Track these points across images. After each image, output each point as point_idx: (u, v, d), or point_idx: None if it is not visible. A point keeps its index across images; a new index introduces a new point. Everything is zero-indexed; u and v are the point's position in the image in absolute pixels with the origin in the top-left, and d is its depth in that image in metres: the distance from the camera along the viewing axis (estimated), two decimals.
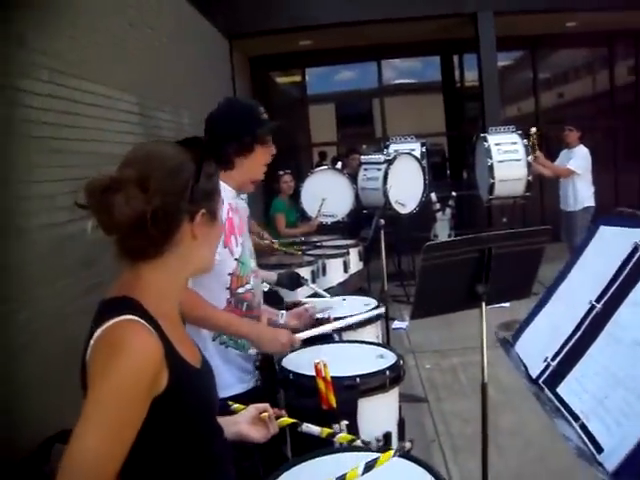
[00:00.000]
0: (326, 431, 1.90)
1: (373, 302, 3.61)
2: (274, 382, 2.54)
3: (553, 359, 1.43)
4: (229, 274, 2.47)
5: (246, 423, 1.76)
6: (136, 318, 1.30)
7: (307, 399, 2.17)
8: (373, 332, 3.38)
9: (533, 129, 8.14)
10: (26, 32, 3.72)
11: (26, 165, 3.63)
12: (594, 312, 1.45)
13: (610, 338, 1.41)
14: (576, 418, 1.37)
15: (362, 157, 7.95)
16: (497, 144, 8.32)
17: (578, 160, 7.98)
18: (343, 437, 1.89)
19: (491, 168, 8.15)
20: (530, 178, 8.24)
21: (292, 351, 2.66)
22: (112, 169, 1.38)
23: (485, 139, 8.39)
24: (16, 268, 3.38)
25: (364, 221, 7.02)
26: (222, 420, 1.71)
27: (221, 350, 2.47)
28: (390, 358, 2.56)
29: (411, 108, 13.10)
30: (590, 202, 7.97)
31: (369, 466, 1.51)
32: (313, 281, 4.45)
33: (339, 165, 7.42)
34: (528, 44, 12.39)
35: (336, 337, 3.13)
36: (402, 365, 2.52)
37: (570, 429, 1.35)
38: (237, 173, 2.58)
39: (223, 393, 2.28)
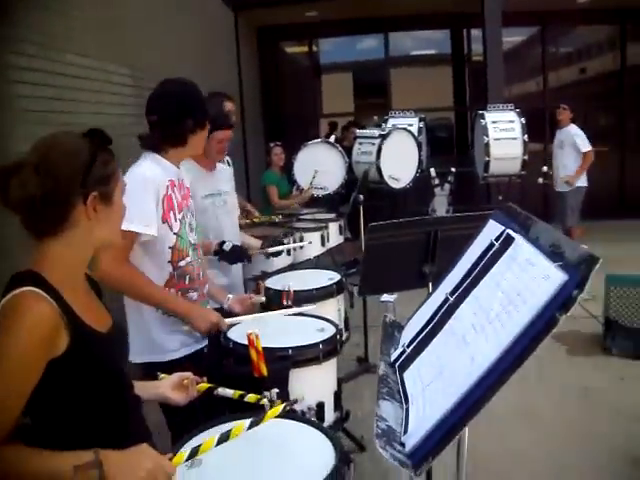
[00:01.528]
0: (237, 393, 2.07)
1: (337, 276, 3.76)
2: (220, 350, 2.71)
3: (409, 345, 1.56)
4: (169, 247, 2.63)
5: (168, 387, 1.99)
6: (34, 289, 1.49)
7: (243, 367, 2.32)
8: (334, 305, 3.54)
9: (544, 168, 8.23)
10: (16, 6, 3.85)
11: (17, 136, 3.78)
12: (447, 304, 1.58)
13: (450, 330, 1.54)
14: (407, 402, 1.51)
15: (357, 131, 8.05)
16: (494, 122, 8.37)
17: (584, 139, 8.05)
18: (251, 397, 2.05)
19: (487, 145, 8.23)
20: (526, 157, 8.30)
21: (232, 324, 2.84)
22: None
23: (482, 116, 8.44)
24: None
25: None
26: (145, 384, 1.93)
27: (164, 319, 2.66)
28: (329, 332, 2.72)
29: (421, 81, 13.09)
30: (582, 182, 8.07)
31: (255, 422, 1.66)
32: (289, 254, 4.59)
33: (332, 138, 7.52)
34: (538, 20, 12.28)
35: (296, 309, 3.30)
36: (339, 339, 2.68)
37: (394, 412, 1.48)
38: (186, 150, 2.75)
39: (169, 356, 2.65)
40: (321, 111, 13.33)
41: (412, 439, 1.33)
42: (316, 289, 3.48)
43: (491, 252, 1.50)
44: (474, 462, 3.90)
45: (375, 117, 10.69)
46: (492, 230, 1.58)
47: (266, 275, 3.95)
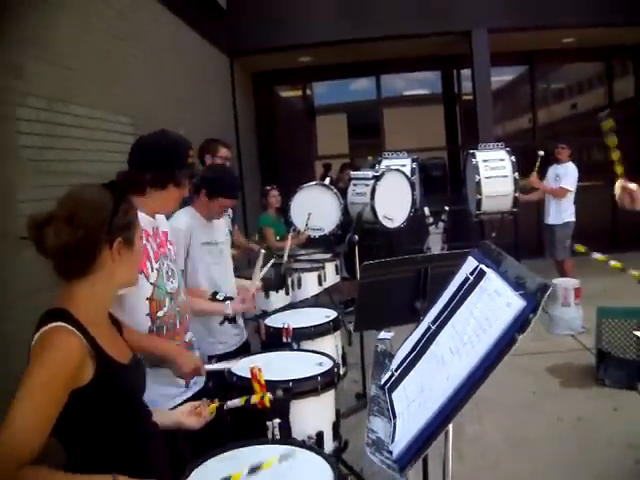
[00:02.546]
0: (243, 398, 2.28)
1: (334, 313, 3.92)
2: (223, 385, 2.86)
3: (397, 369, 1.73)
4: (147, 298, 2.61)
5: (181, 415, 2.20)
6: (64, 324, 1.67)
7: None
8: (332, 342, 3.69)
9: (541, 152, 8.44)
10: (24, 63, 4.07)
11: (22, 185, 3.97)
12: (429, 332, 1.76)
13: (431, 354, 1.73)
14: (395, 417, 1.68)
15: (352, 172, 8.25)
16: (485, 160, 8.56)
17: (570, 178, 8.30)
18: (255, 397, 2.27)
19: (478, 184, 8.41)
20: (517, 194, 8.49)
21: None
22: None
23: (473, 155, 8.64)
24: (2, 283, 3.72)
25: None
26: (161, 413, 2.08)
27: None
28: (327, 365, 2.88)
29: (414, 121, 13.36)
30: (571, 217, 8.29)
31: (253, 469, 1.82)
32: (287, 293, 4.75)
33: (327, 180, 7.71)
34: (526, 60, 12.63)
35: (294, 346, 3.46)
36: (336, 372, 2.83)
37: (384, 426, 1.66)
38: (149, 201, 2.70)
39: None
40: (316, 153, 13.55)
41: (398, 447, 1.53)
42: (314, 326, 3.64)
43: (466, 285, 1.69)
44: None
45: (370, 158, 10.96)
46: (469, 265, 1.77)
47: (265, 314, 4.12)
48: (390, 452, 1.55)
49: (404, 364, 1.72)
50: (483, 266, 1.69)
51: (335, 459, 2.00)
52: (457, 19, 10.27)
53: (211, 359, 3.32)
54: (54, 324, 1.67)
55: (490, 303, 1.53)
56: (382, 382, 1.69)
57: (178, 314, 2.79)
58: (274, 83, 13.31)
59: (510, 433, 4.86)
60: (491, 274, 1.61)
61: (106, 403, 1.73)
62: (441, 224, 9.53)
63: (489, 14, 10.21)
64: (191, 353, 2.78)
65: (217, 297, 3.50)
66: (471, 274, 1.70)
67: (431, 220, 9.49)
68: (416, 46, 11.18)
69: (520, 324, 1.39)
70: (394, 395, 1.70)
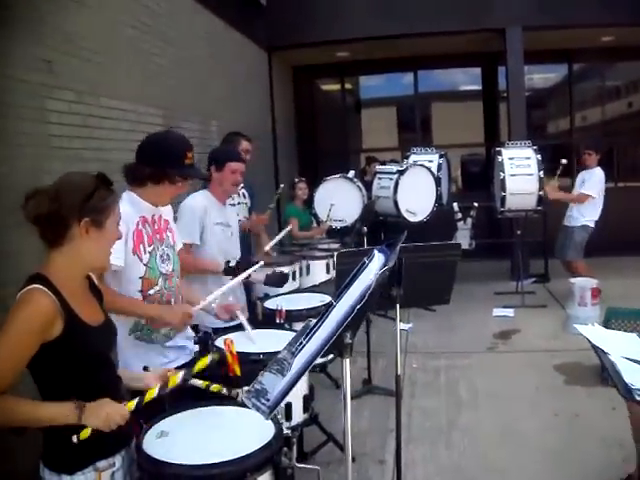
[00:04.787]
0: (205, 383, 2.52)
1: (329, 298, 4.18)
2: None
3: (305, 338, 2.03)
4: (140, 277, 2.96)
5: (152, 379, 2.46)
6: (39, 286, 2.02)
7: (222, 368, 2.75)
8: None
9: (564, 160, 8.49)
10: (54, 58, 4.41)
11: (50, 171, 4.30)
12: (331, 306, 2.07)
13: (328, 322, 2.04)
14: None
15: (377, 167, 8.50)
16: (510, 158, 8.69)
17: (594, 184, 8.32)
18: (214, 387, 2.51)
19: (503, 181, 8.56)
20: (542, 193, 8.58)
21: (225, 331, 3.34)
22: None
23: (500, 153, 8.78)
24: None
25: (377, 226, 7.67)
26: (134, 375, 2.45)
27: (135, 344, 3.03)
28: None
29: (458, 117, 13.39)
30: (591, 222, 8.30)
31: (187, 373, 2.32)
32: (294, 279, 5.03)
33: (351, 173, 7.95)
34: (565, 58, 12.59)
35: (287, 326, 3.75)
36: None
37: (274, 380, 1.98)
38: (147, 192, 3.04)
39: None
40: (360, 146, 13.74)
41: (272, 395, 1.93)
42: (306, 309, 3.92)
43: (362, 266, 2.06)
44: (455, 477, 4.24)
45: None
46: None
47: (267, 297, 4.42)
48: (268, 400, 1.92)
49: (310, 334, 2.02)
50: (376, 251, 2.05)
51: (277, 420, 2.28)
52: (491, 16, 10.30)
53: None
54: (31, 286, 2.02)
55: (364, 279, 1.92)
56: (294, 349, 1.98)
57: (173, 293, 3.14)
58: (315, 77, 13.57)
59: (504, 425, 4.99)
60: (379, 257, 1.98)
61: (71, 355, 2.07)
62: (469, 220, 9.67)
63: (524, 12, 10.22)
64: (171, 306, 3.09)
65: (230, 265, 3.88)
66: (367, 257, 2.05)
67: (459, 216, 9.64)
68: (453, 43, 11.26)
69: (362, 297, 1.68)
70: (296, 358, 2.01)
